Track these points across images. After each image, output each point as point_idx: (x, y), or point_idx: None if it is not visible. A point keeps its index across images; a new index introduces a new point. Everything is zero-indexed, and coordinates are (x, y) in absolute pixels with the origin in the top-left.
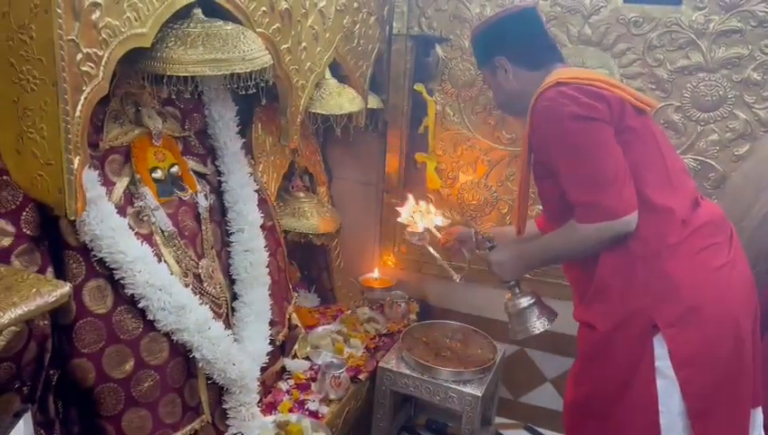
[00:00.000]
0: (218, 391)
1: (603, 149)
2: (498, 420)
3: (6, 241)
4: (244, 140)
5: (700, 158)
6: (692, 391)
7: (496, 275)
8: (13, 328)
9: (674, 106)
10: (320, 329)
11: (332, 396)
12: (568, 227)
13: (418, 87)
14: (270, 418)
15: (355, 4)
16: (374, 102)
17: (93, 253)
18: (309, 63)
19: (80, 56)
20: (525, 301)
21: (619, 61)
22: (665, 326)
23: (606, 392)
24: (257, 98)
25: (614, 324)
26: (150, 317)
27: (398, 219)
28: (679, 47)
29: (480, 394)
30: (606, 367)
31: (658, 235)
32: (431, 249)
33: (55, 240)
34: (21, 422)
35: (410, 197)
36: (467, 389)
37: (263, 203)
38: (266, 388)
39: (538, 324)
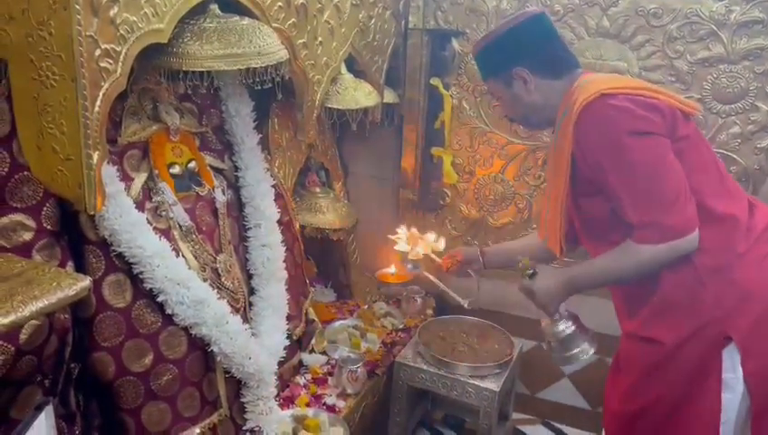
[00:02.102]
0: (236, 386)
1: (663, 165)
2: (516, 415)
3: (27, 236)
4: (260, 135)
5: (722, 151)
6: (760, 393)
7: (539, 304)
8: (34, 321)
9: (694, 99)
10: (336, 324)
11: (349, 390)
12: (626, 249)
13: (434, 81)
14: (287, 412)
15: None
16: (390, 97)
17: (112, 247)
18: (325, 58)
19: (98, 52)
20: (568, 327)
21: (637, 53)
22: (739, 337)
23: (666, 405)
24: (273, 93)
25: (683, 338)
26: (169, 311)
27: (396, 247)
28: (700, 38)
29: (497, 389)
30: (671, 380)
31: (727, 246)
32: (431, 277)
33: (75, 235)
34: (42, 415)
35: (402, 226)
36: (485, 384)
37: (279, 198)
38: (284, 382)
39: (583, 351)
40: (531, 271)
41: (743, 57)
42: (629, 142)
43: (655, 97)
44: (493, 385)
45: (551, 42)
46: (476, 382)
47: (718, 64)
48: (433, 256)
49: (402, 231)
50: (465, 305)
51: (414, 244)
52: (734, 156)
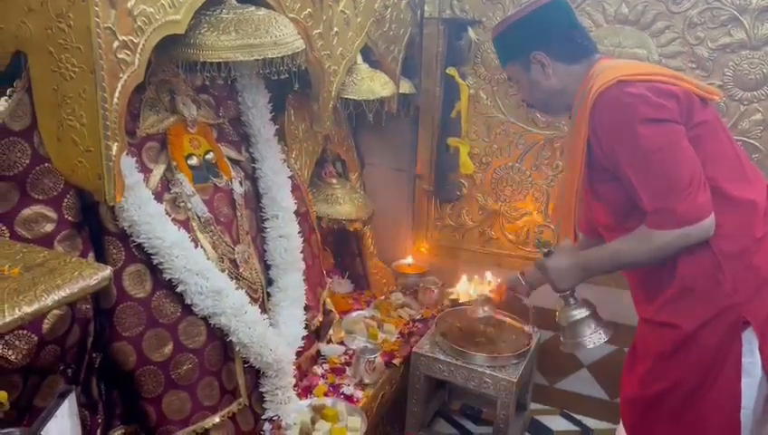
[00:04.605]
0: (255, 375)
1: (677, 152)
2: (534, 406)
3: (49, 227)
4: (277, 126)
5: (743, 138)
6: None
7: (552, 283)
8: (57, 311)
9: (715, 85)
10: (353, 314)
11: (367, 380)
12: (640, 234)
13: (451, 71)
14: (306, 401)
15: None
16: (406, 87)
17: (132, 238)
18: (340, 49)
19: (116, 44)
20: (580, 313)
21: (657, 40)
22: (757, 322)
23: (685, 390)
24: (289, 84)
25: (701, 323)
26: (188, 301)
27: (457, 296)
28: (721, 24)
29: (515, 379)
30: (688, 365)
31: (745, 231)
32: (503, 315)
33: (95, 226)
34: (65, 403)
35: (463, 277)
36: (502, 374)
37: (296, 189)
38: (302, 372)
39: (592, 339)
40: (547, 249)
41: (765, 43)
42: (643, 130)
43: (672, 83)
44: (510, 376)
45: (569, 26)
46: (494, 373)
47: (740, 50)
48: (489, 294)
49: (462, 285)
50: (533, 331)
51: (477, 287)
52: (756, 143)
